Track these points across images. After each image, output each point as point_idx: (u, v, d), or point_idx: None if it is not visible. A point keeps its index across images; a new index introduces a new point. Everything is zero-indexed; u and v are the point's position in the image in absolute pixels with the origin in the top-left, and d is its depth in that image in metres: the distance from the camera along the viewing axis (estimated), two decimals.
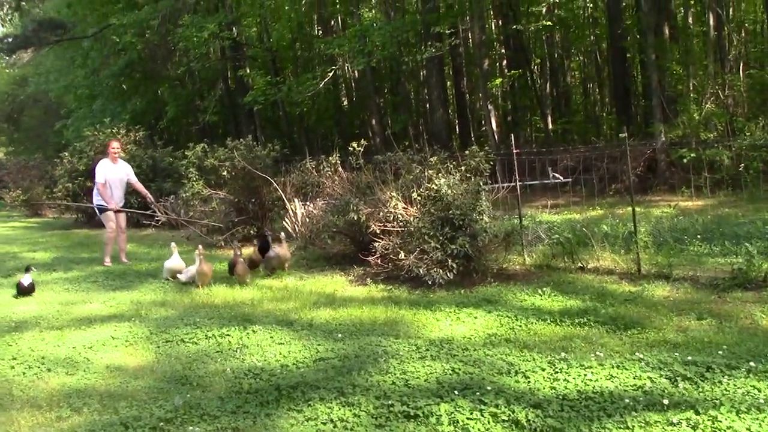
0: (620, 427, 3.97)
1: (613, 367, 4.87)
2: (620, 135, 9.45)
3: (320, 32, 29.18)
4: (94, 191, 11.41)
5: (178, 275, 9.32)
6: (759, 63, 20.55)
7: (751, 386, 4.40)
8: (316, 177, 11.86)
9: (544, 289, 7.54)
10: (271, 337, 6.28)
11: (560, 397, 4.43)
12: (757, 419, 3.90)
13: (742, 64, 19.89)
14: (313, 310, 7.36)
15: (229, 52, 26.54)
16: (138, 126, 20.54)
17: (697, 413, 4.04)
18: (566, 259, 8.74)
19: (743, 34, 23.15)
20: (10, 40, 29.17)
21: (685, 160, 15.21)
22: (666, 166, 16.50)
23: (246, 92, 24.09)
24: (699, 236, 9.41)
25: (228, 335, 6.41)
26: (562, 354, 5.26)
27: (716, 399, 4.21)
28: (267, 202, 12.56)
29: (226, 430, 4.32)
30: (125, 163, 11.85)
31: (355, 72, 28.01)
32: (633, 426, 3.97)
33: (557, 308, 6.82)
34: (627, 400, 4.26)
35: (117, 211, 11.21)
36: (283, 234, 9.89)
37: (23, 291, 8.75)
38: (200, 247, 9.12)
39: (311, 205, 11.31)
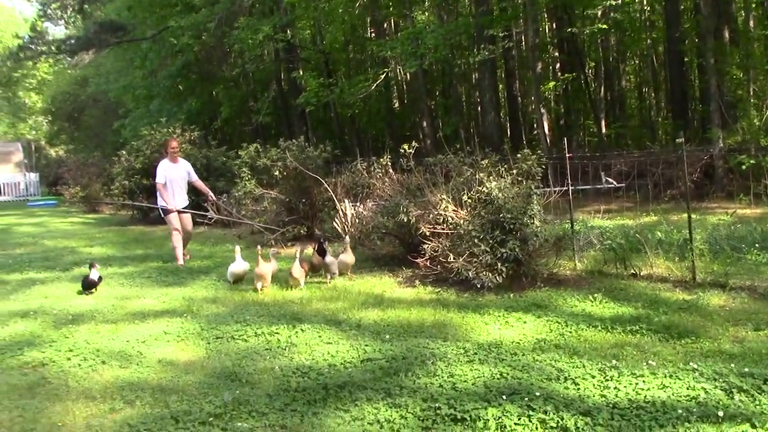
0: None
1: (665, 377, 4.77)
2: (677, 140, 9.27)
3: (373, 34, 29.29)
4: (158, 192, 11.22)
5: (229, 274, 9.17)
6: None
7: None
8: (366, 178, 11.90)
9: (595, 295, 7.43)
10: (320, 337, 6.32)
11: (610, 405, 4.36)
12: None
13: None
14: (361, 310, 7.38)
15: (283, 54, 26.86)
16: (193, 126, 20.93)
17: (754, 426, 3.93)
18: (618, 265, 8.60)
19: None
20: (72, 41, 30.04)
21: (743, 167, 14.83)
22: (724, 173, 16.11)
23: (299, 94, 24.33)
24: (757, 245, 9.15)
25: (277, 333, 6.47)
26: (613, 362, 5.18)
27: None
28: (317, 203, 12.65)
29: (273, 428, 4.36)
30: (185, 162, 11.61)
31: (407, 74, 28.08)
32: None
33: (608, 315, 6.72)
34: (680, 411, 4.17)
35: (179, 212, 11.01)
36: (347, 238, 9.50)
37: (90, 285, 8.69)
38: (259, 247, 8.95)
39: (361, 206, 11.35)
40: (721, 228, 10.51)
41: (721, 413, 4.09)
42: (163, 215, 11.19)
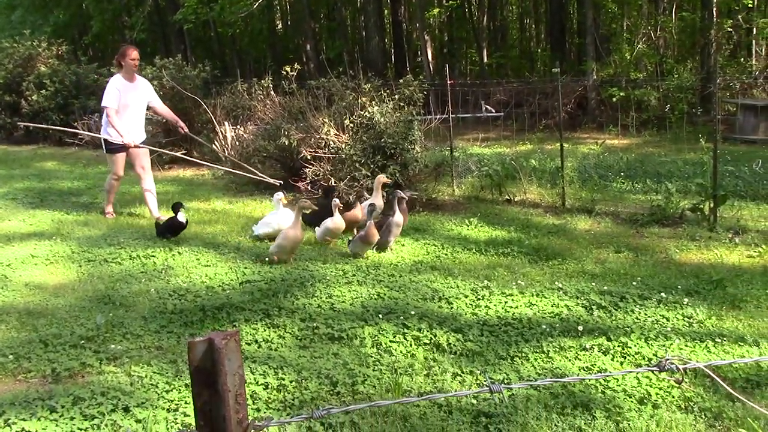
0: (536, 351, 4.12)
1: (533, 296, 5.02)
2: (553, 71, 9.54)
3: None
4: (103, 118, 8.26)
5: (257, 228, 7.22)
6: (691, 5, 20.85)
7: (660, 315, 4.61)
8: (247, 100, 11.64)
9: (471, 219, 7.67)
10: (198, 260, 6.24)
11: (481, 322, 4.56)
12: (664, 346, 4.10)
13: (674, 7, 20.16)
14: (241, 234, 7.32)
15: None
16: (61, 39, 19.64)
17: (609, 339, 4.22)
18: (494, 191, 8.89)
19: None
20: None
21: (614, 99, 15.49)
22: (596, 104, 16.77)
23: (177, 9, 23.24)
24: (623, 174, 9.69)
25: (153, 256, 6.34)
26: (485, 282, 5.39)
27: (627, 327, 4.40)
28: (196, 124, 12.28)
29: (149, 349, 4.31)
30: (146, 82, 8.55)
31: None
32: (548, 350, 4.12)
33: (483, 238, 6.96)
34: (544, 327, 4.42)
35: (135, 147, 8.14)
36: (405, 193, 7.02)
37: (178, 229, 7.09)
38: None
39: (242, 128, 11.12)
40: (591, 157, 11.03)
41: (581, 328, 4.36)
42: (105, 150, 8.26)
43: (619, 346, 4.13)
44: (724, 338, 4.20)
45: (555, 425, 3.32)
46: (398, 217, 6.55)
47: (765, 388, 3.64)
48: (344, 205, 7.15)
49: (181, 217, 7.02)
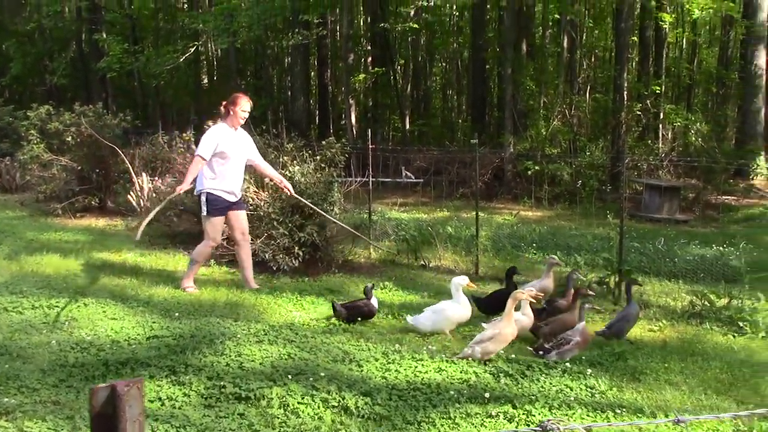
0: (443, 417, 4.15)
1: (442, 361, 5.07)
2: (472, 141, 9.83)
3: (185, 5, 28.29)
4: (199, 171, 7.04)
5: (420, 319, 6.03)
6: (604, 88, 21.96)
7: (564, 385, 4.72)
8: (167, 152, 11.52)
9: (386, 283, 7.73)
10: (104, 312, 6.06)
11: (390, 386, 4.56)
12: (566, 414, 4.20)
13: (589, 88, 21.21)
14: (152, 287, 7.16)
15: (85, 13, 25.24)
16: None
17: (515, 407, 4.29)
18: (410, 256, 9.00)
19: (593, 59, 24.70)
20: None
21: (529, 172, 16.01)
22: (512, 176, 17.28)
23: (100, 57, 22.98)
24: (535, 244, 9.98)
25: (57, 306, 6.12)
26: (396, 346, 5.42)
27: (533, 395, 4.48)
28: (113, 174, 12.05)
29: (45, 404, 4.13)
30: (247, 135, 7.48)
31: (219, 50, 27.39)
32: (455, 416, 4.16)
33: (397, 302, 7.03)
34: (452, 392, 4.46)
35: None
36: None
37: (369, 315, 6.36)
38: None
39: (159, 180, 10.97)
40: (505, 227, 11.33)
41: (487, 395, 4.42)
42: (205, 211, 7.05)
43: (524, 413, 4.21)
44: (624, 409, 4.33)
45: None
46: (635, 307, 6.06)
47: None
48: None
49: (374, 301, 6.27)
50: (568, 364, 5.06)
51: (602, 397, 4.60)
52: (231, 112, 7.09)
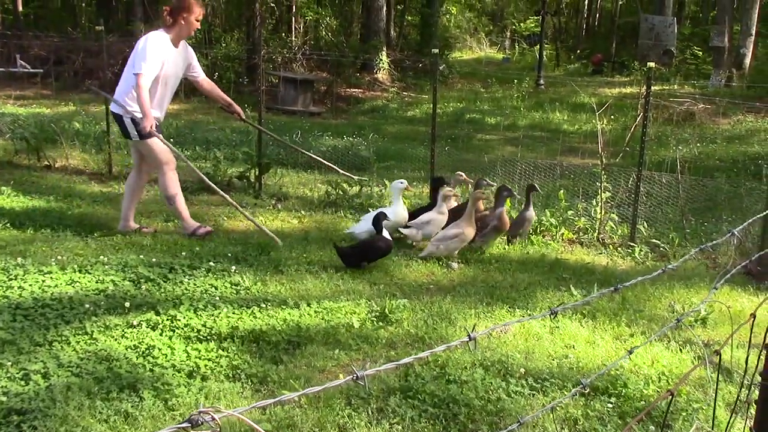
0: (78, 333, 3.79)
1: (75, 272, 4.62)
2: (97, 28, 8.95)
3: None
4: (125, 88, 5.64)
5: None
6: None
7: (209, 284, 4.61)
8: None
9: (4, 188, 6.86)
10: None
11: (14, 306, 4.04)
12: (212, 315, 4.10)
13: None
14: None
15: None
16: None
17: (158, 313, 4.08)
18: (31, 156, 8.09)
19: None
20: None
21: None
22: None
23: None
24: (172, 140, 9.56)
25: None
26: (19, 259, 4.80)
27: (177, 299, 4.30)
28: None
29: None
30: (190, 49, 5.94)
31: None
32: (92, 331, 3.82)
33: (18, 209, 6.26)
34: (87, 305, 4.09)
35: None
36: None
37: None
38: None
39: None
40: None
41: (128, 304, 4.14)
42: (137, 134, 5.59)
43: (168, 319, 4.02)
44: (269, 303, 4.36)
45: (99, 413, 3.08)
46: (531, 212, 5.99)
47: (304, 347, 3.86)
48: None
49: (386, 234, 5.22)
50: (212, 263, 4.96)
51: (247, 292, 4.58)
52: (177, 19, 5.57)
